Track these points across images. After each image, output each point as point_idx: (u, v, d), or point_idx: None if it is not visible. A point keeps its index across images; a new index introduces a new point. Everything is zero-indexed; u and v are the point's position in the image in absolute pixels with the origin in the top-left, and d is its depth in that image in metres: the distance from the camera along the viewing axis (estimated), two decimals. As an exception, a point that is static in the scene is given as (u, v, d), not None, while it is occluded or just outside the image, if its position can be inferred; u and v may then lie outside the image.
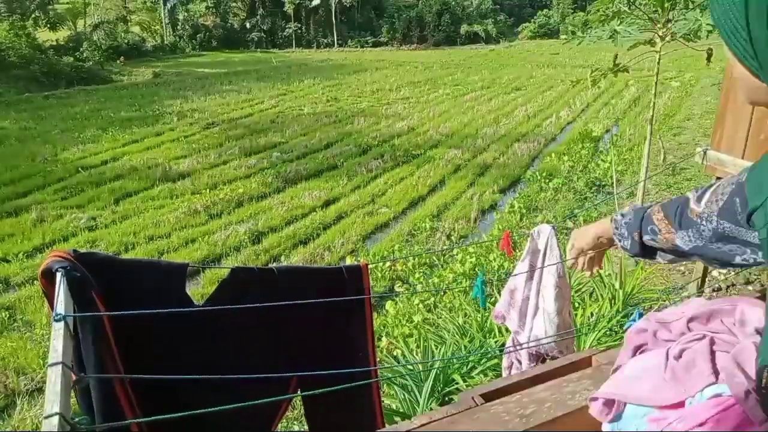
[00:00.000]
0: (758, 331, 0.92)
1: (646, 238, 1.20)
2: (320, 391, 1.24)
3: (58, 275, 1.01)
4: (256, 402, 1.04)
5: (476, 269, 6.22)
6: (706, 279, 5.26)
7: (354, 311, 1.50)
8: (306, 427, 4.00)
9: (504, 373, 1.93)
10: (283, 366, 1.38)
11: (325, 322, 1.47)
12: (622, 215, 1.28)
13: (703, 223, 1.03)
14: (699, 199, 1.06)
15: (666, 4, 4.68)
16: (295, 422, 4.16)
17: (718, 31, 0.82)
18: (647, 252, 1.22)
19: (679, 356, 0.94)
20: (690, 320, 1.01)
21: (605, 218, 1.39)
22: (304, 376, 1.42)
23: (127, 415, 1.08)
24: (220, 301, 1.35)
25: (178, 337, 1.29)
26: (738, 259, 1.00)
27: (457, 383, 3.36)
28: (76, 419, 0.78)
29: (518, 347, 1.85)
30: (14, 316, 6.14)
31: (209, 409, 0.95)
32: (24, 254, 7.55)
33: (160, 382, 1.18)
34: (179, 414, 0.93)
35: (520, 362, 1.90)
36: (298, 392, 1.47)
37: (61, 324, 0.91)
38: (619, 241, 1.29)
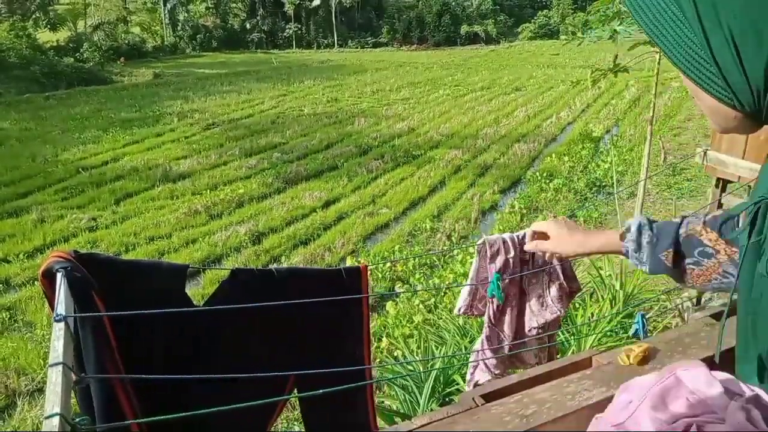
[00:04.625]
0: (728, 390, 0.78)
1: (689, 261, 1.05)
2: (318, 392, 1.24)
3: (59, 275, 1.01)
4: (254, 403, 1.04)
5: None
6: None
7: (352, 312, 1.50)
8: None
9: (467, 387, 1.79)
10: (280, 367, 1.38)
11: (322, 324, 1.47)
12: (639, 232, 1.13)
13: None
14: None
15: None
16: (295, 422, 4.16)
17: (666, 57, 0.66)
18: (677, 272, 1.09)
19: None
20: (652, 410, 0.83)
21: (603, 232, 1.25)
22: (300, 377, 1.42)
23: (127, 416, 1.08)
24: (220, 301, 1.35)
25: (177, 338, 1.29)
26: None
27: (457, 384, 3.36)
28: (77, 420, 0.78)
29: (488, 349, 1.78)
30: (15, 316, 6.15)
31: (206, 410, 0.95)
32: (24, 255, 7.56)
33: (159, 382, 1.18)
34: (178, 415, 0.93)
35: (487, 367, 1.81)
36: (295, 393, 1.47)
37: (62, 324, 0.91)
38: (638, 262, 1.15)
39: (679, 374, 0.82)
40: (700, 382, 0.80)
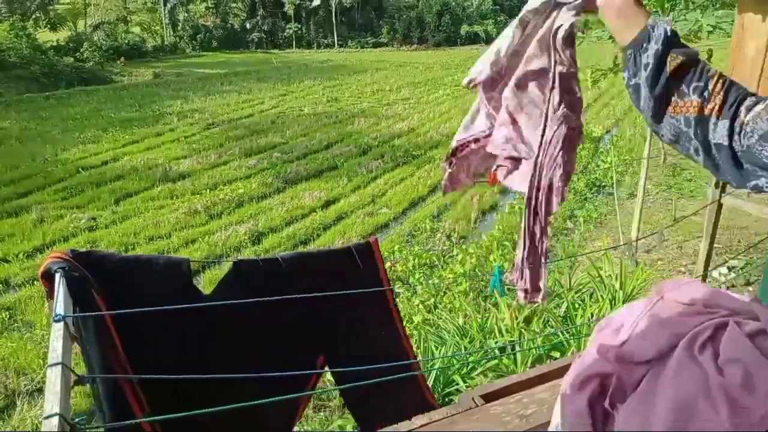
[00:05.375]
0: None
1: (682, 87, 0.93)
2: (330, 388, 1.24)
3: (57, 276, 1.01)
4: (278, 398, 1.03)
5: (476, 269, 6.22)
6: (707, 279, 5.26)
7: (369, 288, 1.45)
8: (306, 427, 4.00)
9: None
10: (301, 352, 1.35)
11: (339, 303, 1.42)
12: (667, 31, 0.96)
13: (739, 135, 0.90)
14: (749, 109, 0.90)
15: (666, 5, 4.69)
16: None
17: None
18: (659, 92, 0.94)
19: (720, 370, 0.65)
20: (658, 324, 0.69)
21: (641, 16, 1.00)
22: (332, 363, 1.39)
23: (136, 413, 1.07)
24: (225, 294, 1.34)
25: (184, 332, 1.28)
26: (753, 183, 0.89)
27: (457, 384, 3.36)
28: (76, 419, 0.78)
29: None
30: (14, 316, 6.14)
31: (227, 406, 0.94)
32: (24, 254, 7.55)
33: (167, 381, 1.17)
34: (195, 412, 0.93)
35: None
36: (326, 386, 1.45)
37: (61, 324, 0.91)
38: (641, 48, 0.96)
39: (669, 296, 0.72)
40: (698, 296, 0.71)
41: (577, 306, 4.25)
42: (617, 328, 0.74)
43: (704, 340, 0.66)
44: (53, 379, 0.78)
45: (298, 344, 1.40)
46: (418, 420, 1.30)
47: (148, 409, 1.12)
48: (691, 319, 0.68)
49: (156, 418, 1.04)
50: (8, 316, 6.09)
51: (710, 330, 0.66)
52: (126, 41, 35.32)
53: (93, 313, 1.04)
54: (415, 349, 4.06)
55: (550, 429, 0.81)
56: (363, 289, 1.42)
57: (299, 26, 44.74)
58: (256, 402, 0.97)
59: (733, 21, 4.46)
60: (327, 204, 9.53)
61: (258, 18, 44.01)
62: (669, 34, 0.95)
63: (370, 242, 1.46)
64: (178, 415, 0.93)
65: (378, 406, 1.47)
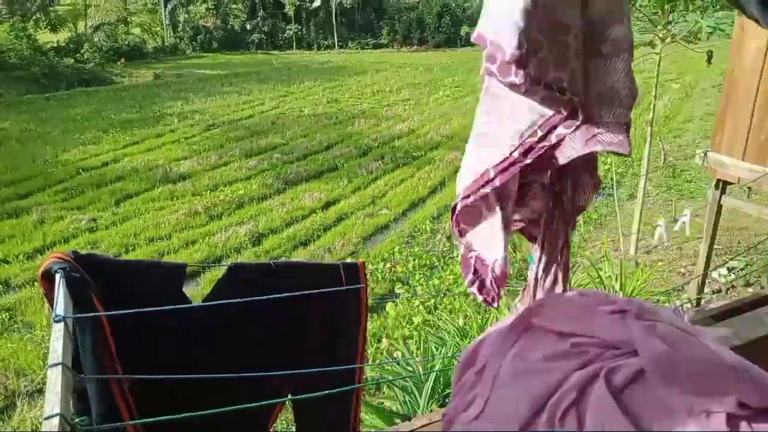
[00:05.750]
0: (610, 312, 0.58)
1: None
2: (305, 396, 1.24)
3: (57, 276, 1.01)
4: (251, 405, 1.04)
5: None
6: (707, 280, 5.26)
7: (349, 309, 1.50)
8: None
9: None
10: (276, 367, 1.38)
11: (318, 321, 1.47)
12: None
13: None
14: None
15: (666, 6, 4.70)
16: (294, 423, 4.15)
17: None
18: None
19: None
20: (523, 375, 0.60)
21: None
22: (294, 378, 1.42)
23: (123, 415, 1.08)
24: (218, 298, 1.35)
25: (175, 337, 1.29)
26: None
27: (457, 385, 3.36)
28: (77, 420, 0.79)
29: None
30: (14, 317, 6.14)
31: (202, 412, 0.95)
32: (24, 256, 7.55)
33: (157, 382, 1.18)
34: (171, 417, 0.93)
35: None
36: (289, 395, 1.47)
37: (61, 325, 0.91)
38: None
39: (537, 322, 0.62)
40: (572, 319, 0.61)
41: (577, 307, 4.25)
42: (483, 365, 0.62)
43: (568, 405, 0.59)
44: (54, 379, 0.78)
45: (276, 360, 1.43)
46: (418, 420, 1.30)
47: (135, 412, 1.12)
48: (558, 364, 0.59)
49: (140, 421, 1.05)
50: (8, 317, 6.10)
51: (575, 392, 0.58)
52: (126, 42, 35.30)
53: (92, 314, 1.04)
54: (415, 349, 4.07)
55: None
56: (344, 307, 1.47)
57: (299, 27, 44.73)
58: (224, 408, 0.98)
59: (733, 22, 4.46)
60: (327, 205, 9.53)
61: (258, 19, 44.02)
62: None
63: (357, 264, 1.51)
64: (165, 418, 0.93)
65: (316, 425, 1.53)
